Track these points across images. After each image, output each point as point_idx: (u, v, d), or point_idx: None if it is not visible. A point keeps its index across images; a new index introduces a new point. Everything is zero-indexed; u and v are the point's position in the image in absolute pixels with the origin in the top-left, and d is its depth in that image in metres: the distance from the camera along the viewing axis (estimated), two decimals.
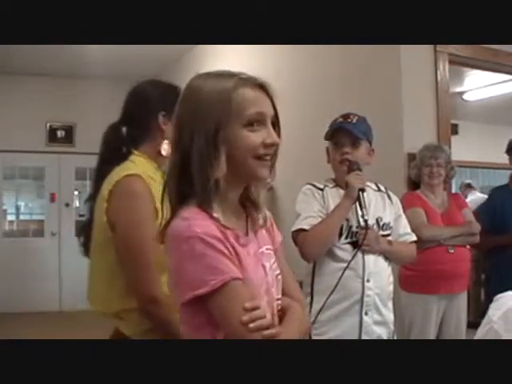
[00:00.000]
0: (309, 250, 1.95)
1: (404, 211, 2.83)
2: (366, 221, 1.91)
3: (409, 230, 2.13)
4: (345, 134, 2.01)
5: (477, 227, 2.90)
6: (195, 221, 1.02)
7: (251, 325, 0.99)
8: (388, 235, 2.02)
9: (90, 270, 1.64)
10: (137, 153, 1.62)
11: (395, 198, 2.13)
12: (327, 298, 1.89)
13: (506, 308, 1.08)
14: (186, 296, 1.02)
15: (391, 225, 2.04)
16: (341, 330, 1.89)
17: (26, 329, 5.23)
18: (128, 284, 1.50)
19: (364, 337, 1.91)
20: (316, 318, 1.90)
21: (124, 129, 1.65)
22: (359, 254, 1.93)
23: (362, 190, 1.95)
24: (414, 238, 2.12)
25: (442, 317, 2.87)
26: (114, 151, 1.62)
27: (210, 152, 1.04)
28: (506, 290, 1.27)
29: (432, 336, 2.82)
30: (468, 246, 2.93)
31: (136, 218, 1.47)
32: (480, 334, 1.12)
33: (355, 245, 1.94)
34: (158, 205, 1.47)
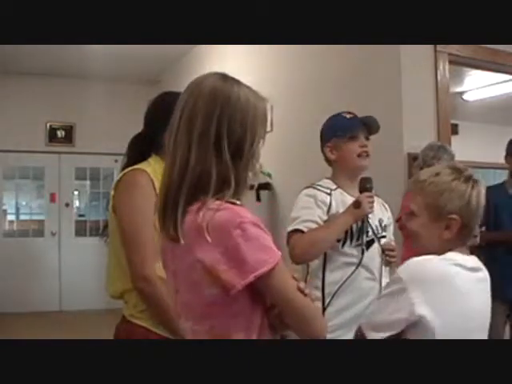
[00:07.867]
0: (299, 252, 1.89)
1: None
2: (363, 249, 1.91)
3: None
4: (361, 128, 2.00)
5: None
6: (237, 208, 1.06)
7: (306, 290, 1.09)
8: (384, 237, 2.03)
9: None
10: (155, 156, 1.74)
11: (386, 205, 2.14)
12: (339, 288, 1.89)
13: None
14: (242, 281, 1.02)
15: (387, 227, 2.07)
16: None
17: (26, 329, 5.23)
18: (125, 264, 1.61)
19: None
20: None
21: (147, 137, 1.77)
22: (368, 254, 1.93)
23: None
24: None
25: None
26: (138, 157, 1.73)
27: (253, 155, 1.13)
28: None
29: None
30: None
31: (133, 204, 1.60)
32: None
33: (367, 244, 1.94)
34: None
